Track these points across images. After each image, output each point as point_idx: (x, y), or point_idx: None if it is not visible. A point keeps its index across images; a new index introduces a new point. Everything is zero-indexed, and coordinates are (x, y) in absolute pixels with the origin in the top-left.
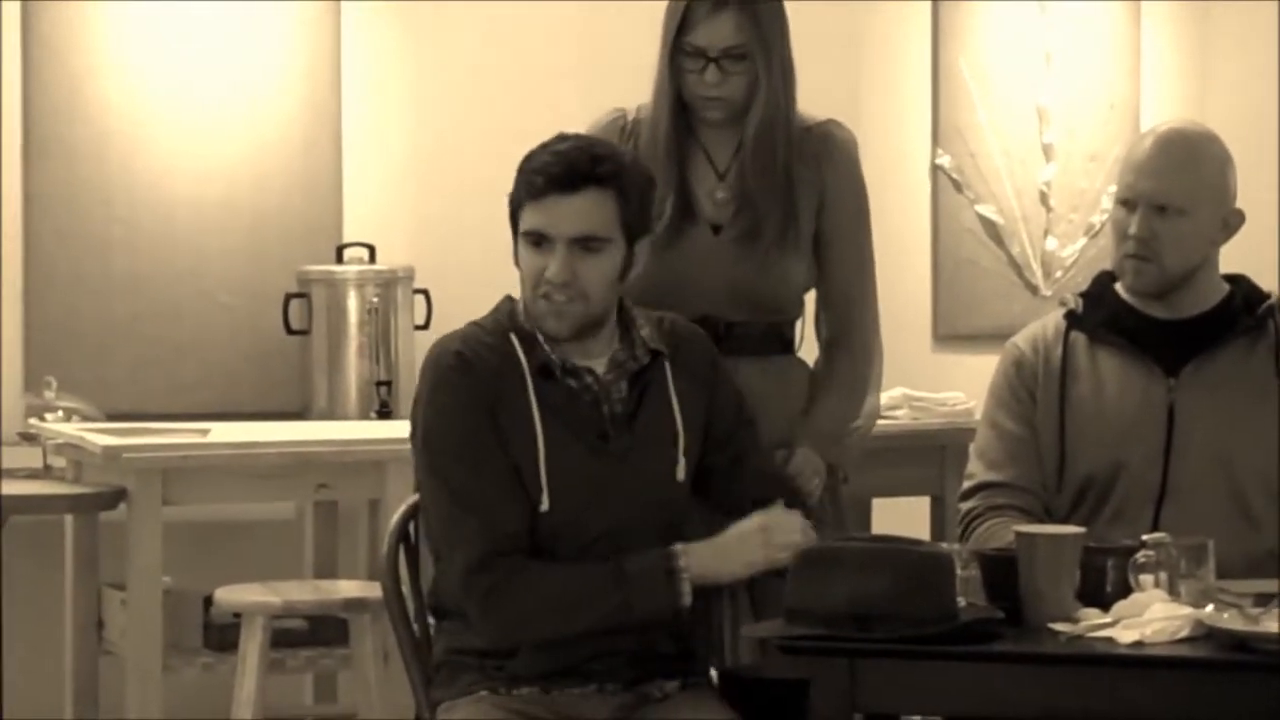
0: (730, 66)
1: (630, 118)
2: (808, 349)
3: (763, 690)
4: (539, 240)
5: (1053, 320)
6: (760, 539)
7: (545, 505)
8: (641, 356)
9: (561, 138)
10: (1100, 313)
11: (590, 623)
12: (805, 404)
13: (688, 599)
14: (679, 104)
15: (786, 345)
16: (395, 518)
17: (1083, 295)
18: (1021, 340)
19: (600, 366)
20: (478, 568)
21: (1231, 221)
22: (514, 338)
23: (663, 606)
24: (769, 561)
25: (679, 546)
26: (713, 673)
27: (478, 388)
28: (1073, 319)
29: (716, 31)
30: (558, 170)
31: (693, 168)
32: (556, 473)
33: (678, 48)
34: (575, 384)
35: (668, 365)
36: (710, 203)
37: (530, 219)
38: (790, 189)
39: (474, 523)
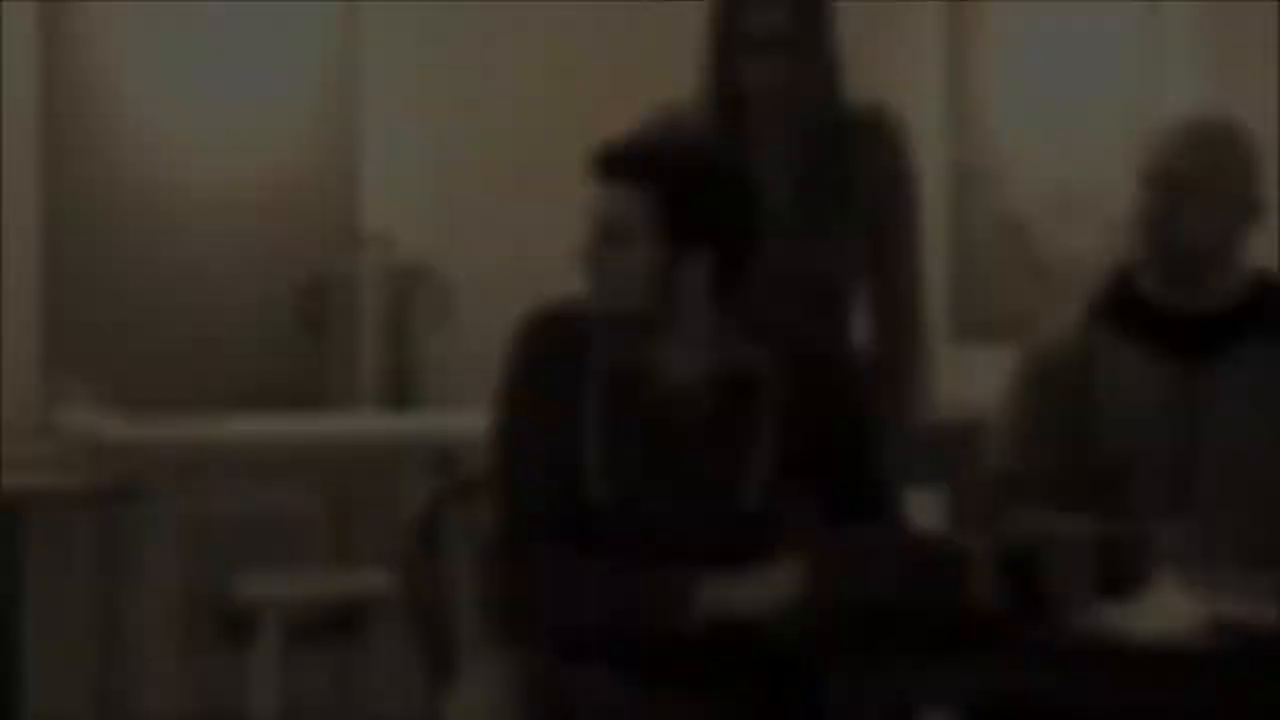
0: (779, 54)
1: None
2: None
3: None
4: None
5: (1075, 313)
6: (769, 579)
7: (582, 498)
8: (724, 379)
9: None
10: (1122, 306)
11: (595, 616)
12: None
13: (697, 614)
14: (728, 93)
15: None
16: (413, 509)
17: (1105, 288)
18: (1043, 333)
19: (684, 373)
20: (496, 549)
21: (1257, 213)
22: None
23: (672, 612)
24: (772, 601)
25: (707, 575)
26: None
27: (540, 366)
28: (1094, 312)
29: (765, 20)
30: (601, 151)
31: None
32: (597, 469)
33: (726, 37)
34: (648, 386)
35: (774, 387)
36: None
37: None
38: (845, 176)
39: (504, 498)
